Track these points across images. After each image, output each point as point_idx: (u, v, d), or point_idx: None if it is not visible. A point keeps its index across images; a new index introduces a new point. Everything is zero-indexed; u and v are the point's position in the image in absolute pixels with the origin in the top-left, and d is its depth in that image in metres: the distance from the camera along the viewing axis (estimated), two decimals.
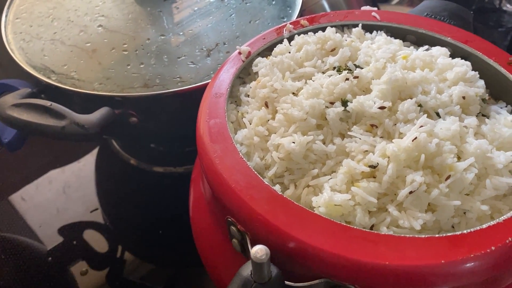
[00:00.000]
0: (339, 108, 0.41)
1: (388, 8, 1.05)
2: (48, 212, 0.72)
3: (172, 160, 0.73)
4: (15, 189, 0.77)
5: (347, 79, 0.43)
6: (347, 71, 0.44)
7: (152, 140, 0.70)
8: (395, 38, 0.51)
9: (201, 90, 0.47)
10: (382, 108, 0.40)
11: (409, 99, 0.41)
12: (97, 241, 0.69)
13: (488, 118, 0.43)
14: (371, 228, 0.36)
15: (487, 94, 0.46)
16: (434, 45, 0.49)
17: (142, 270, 0.66)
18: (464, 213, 0.37)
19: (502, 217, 0.35)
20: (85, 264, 0.66)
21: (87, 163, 0.80)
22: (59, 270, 0.64)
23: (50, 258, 0.65)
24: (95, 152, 0.82)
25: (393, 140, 0.38)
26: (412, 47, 0.49)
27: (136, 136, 0.63)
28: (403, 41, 0.52)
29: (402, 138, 0.38)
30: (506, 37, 1.02)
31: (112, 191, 0.76)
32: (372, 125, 0.40)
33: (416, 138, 0.37)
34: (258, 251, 0.31)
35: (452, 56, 0.48)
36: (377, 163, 0.37)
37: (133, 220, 0.71)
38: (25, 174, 0.79)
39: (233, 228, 0.38)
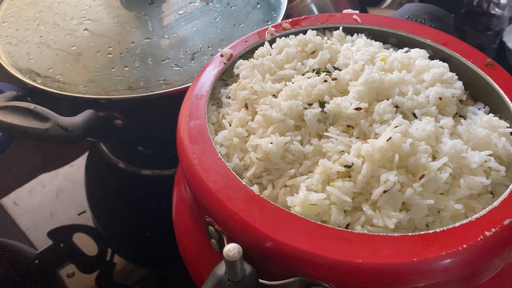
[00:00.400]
0: (316, 109, 0.41)
1: (377, 11, 1.06)
2: (41, 216, 0.72)
3: (160, 163, 0.74)
4: (5, 192, 0.77)
5: (325, 81, 0.43)
6: (325, 73, 0.45)
7: (138, 143, 0.71)
8: (377, 40, 0.52)
9: (185, 92, 0.47)
10: (358, 109, 0.40)
11: (385, 100, 0.41)
12: (86, 244, 0.69)
13: (465, 119, 0.44)
14: (347, 227, 0.37)
15: (465, 95, 0.47)
16: (415, 47, 0.50)
17: (131, 273, 0.66)
18: (439, 212, 0.37)
19: (474, 216, 0.35)
20: (73, 267, 0.66)
21: (80, 167, 0.81)
22: (46, 273, 0.64)
23: (37, 261, 0.66)
24: (80, 158, 0.82)
25: (368, 140, 0.38)
26: (391, 49, 0.50)
27: (122, 139, 0.64)
28: (385, 43, 0.53)
29: (377, 138, 0.39)
30: (494, 40, 1.03)
31: (101, 194, 0.76)
32: (348, 126, 0.41)
33: (390, 138, 0.37)
34: (231, 249, 0.31)
35: (433, 58, 0.49)
36: (352, 163, 0.37)
37: (123, 223, 0.71)
38: (16, 178, 0.79)
39: (211, 228, 0.38)
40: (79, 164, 0.81)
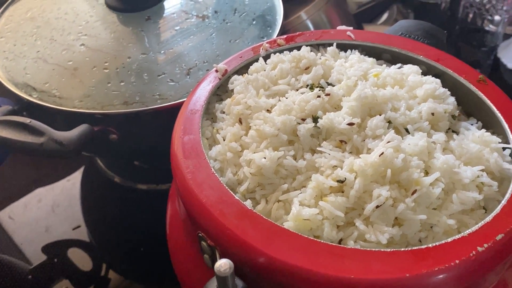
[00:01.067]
0: (309, 125, 0.42)
1: (372, 28, 1.08)
2: (36, 231, 0.72)
3: (155, 178, 0.74)
4: (1, 207, 0.77)
5: (318, 96, 0.44)
6: (319, 88, 0.45)
7: (133, 157, 0.71)
8: (371, 56, 0.52)
9: (180, 107, 0.47)
10: (350, 124, 0.41)
11: (378, 116, 0.41)
12: (81, 259, 0.69)
13: (458, 134, 0.44)
14: (339, 242, 0.37)
15: (458, 111, 0.47)
16: (408, 63, 0.50)
17: None
18: (431, 227, 0.37)
19: (467, 231, 0.35)
20: (67, 283, 0.65)
21: (76, 181, 0.81)
22: None
23: (30, 276, 0.65)
24: (76, 173, 0.82)
25: (360, 156, 0.39)
26: (384, 65, 0.51)
27: (117, 153, 0.64)
28: (379, 59, 0.53)
29: (370, 153, 0.39)
30: (489, 56, 1.05)
31: (97, 209, 0.76)
32: (341, 141, 0.41)
33: (382, 153, 0.37)
34: (222, 264, 0.31)
35: (426, 74, 0.49)
36: (345, 178, 0.37)
37: (118, 238, 0.71)
38: (12, 192, 0.79)
39: (203, 243, 0.38)
40: (76, 179, 0.81)
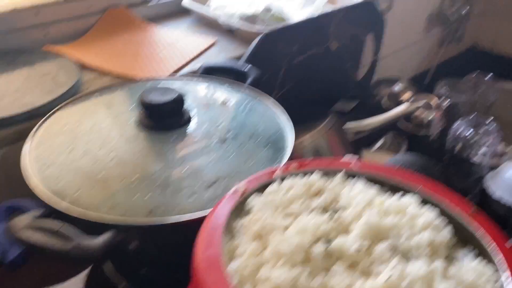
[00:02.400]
0: (322, 246, 0.46)
1: (369, 154, 1.17)
2: None
3: (159, 286, 0.75)
4: None
5: (329, 220, 0.49)
6: (329, 212, 0.51)
7: (146, 264, 0.73)
8: (375, 183, 0.59)
9: (199, 221, 0.52)
10: (359, 249, 0.46)
11: (383, 242, 0.47)
12: None
13: (455, 261, 0.49)
14: None
15: (455, 239, 0.52)
16: (408, 192, 0.57)
17: None
18: None
19: None
20: None
21: (78, 281, 0.81)
22: None
23: None
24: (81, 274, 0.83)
25: (370, 279, 0.43)
26: (387, 194, 0.57)
27: (133, 261, 0.67)
28: (383, 186, 0.60)
29: (377, 276, 0.43)
30: (477, 185, 1.11)
31: None
32: (351, 263, 0.45)
33: (389, 277, 0.42)
34: None
35: (425, 202, 0.55)
36: None
37: None
38: None
39: None
40: (77, 278, 0.82)
